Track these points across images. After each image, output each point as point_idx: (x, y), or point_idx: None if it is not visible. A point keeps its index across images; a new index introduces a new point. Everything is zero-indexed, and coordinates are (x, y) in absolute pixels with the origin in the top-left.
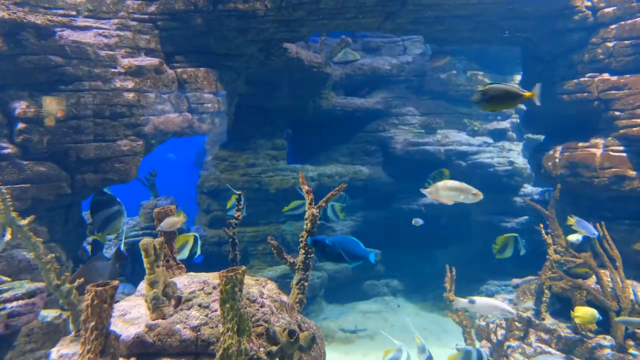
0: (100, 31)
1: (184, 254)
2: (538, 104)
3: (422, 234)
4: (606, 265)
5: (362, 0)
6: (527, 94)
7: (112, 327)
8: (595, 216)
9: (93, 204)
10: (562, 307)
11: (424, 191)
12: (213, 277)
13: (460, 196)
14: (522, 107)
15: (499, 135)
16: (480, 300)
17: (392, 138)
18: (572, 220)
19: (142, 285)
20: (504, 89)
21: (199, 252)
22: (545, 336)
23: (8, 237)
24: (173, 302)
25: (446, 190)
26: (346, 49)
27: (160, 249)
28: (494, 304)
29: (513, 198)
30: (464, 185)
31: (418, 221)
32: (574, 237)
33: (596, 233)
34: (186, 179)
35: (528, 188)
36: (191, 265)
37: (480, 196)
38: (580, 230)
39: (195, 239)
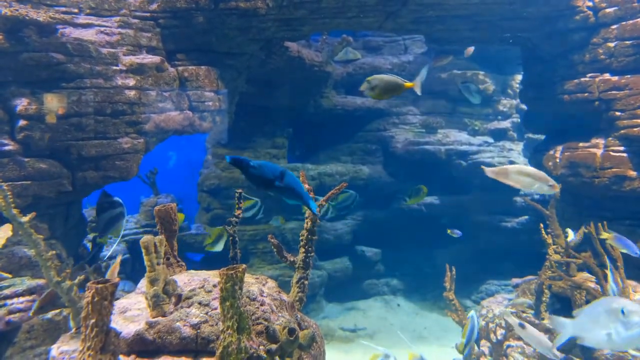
0: (102, 29)
1: (219, 246)
2: (419, 93)
3: (422, 234)
4: (606, 265)
5: None
6: (407, 84)
7: (113, 324)
8: (596, 216)
9: (98, 205)
10: (562, 307)
11: (487, 170)
12: (213, 275)
13: (535, 184)
14: (523, 107)
15: (499, 135)
16: (529, 328)
17: (393, 137)
18: (609, 235)
19: (143, 283)
20: (386, 79)
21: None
22: (545, 336)
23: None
24: (173, 299)
25: (519, 175)
26: (347, 48)
27: (160, 247)
28: (539, 339)
29: (513, 198)
30: (540, 173)
31: (455, 232)
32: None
33: (638, 252)
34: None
35: None
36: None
37: (557, 188)
38: (619, 247)
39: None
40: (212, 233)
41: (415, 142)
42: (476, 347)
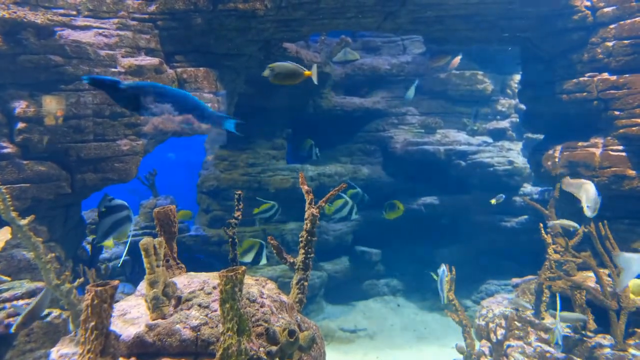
0: (101, 31)
1: (249, 257)
2: (316, 83)
3: (422, 234)
4: (606, 264)
5: (362, 0)
6: (306, 72)
7: (112, 327)
8: (595, 216)
9: (101, 210)
10: (561, 307)
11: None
12: (213, 277)
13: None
14: (522, 106)
15: (498, 135)
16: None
17: (392, 138)
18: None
19: (142, 285)
20: (287, 66)
21: (263, 260)
22: (545, 335)
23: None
24: (173, 302)
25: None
26: (346, 48)
27: (160, 249)
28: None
29: (512, 197)
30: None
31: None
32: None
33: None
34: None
35: (528, 187)
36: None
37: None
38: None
39: (261, 246)
40: (244, 244)
41: (414, 142)
42: (477, 347)
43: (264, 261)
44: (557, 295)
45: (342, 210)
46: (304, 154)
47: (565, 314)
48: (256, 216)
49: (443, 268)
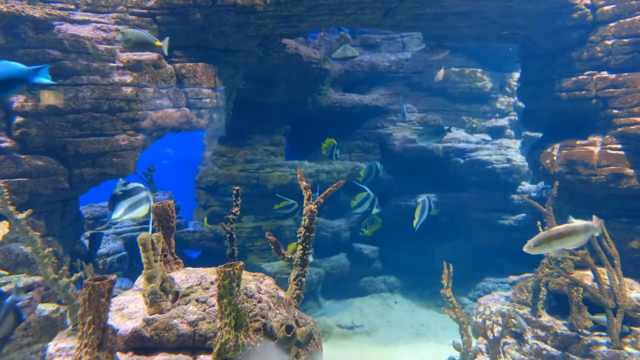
0: (99, 25)
1: (365, 207)
2: (166, 54)
3: (420, 231)
4: (603, 263)
5: None
6: (158, 43)
7: (110, 322)
8: (592, 214)
9: (117, 193)
10: (558, 304)
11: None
12: (211, 273)
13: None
14: (521, 104)
15: (497, 133)
16: None
17: (391, 135)
18: None
19: (140, 280)
20: (138, 34)
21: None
22: (541, 333)
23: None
24: (171, 296)
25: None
26: (345, 45)
27: (158, 244)
28: None
29: (511, 195)
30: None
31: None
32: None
33: None
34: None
35: (526, 185)
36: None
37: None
38: None
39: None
40: (289, 247)
41: (413, 139)
42: (473, 344)
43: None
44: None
45: (363, 204)
46: (327, 155)
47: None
48: (277, 211)
49: (424, 198)
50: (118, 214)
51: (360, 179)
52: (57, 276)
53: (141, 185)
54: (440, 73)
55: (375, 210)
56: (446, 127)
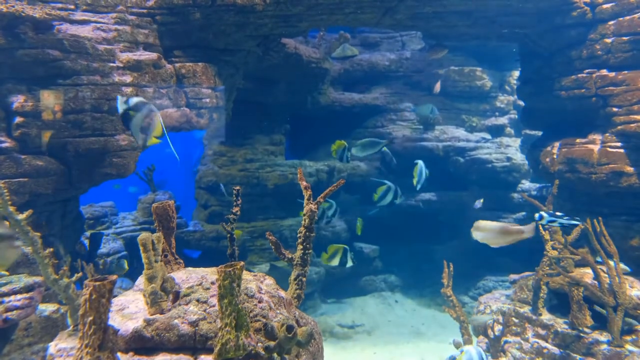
0: (99, 25)
1: (335, 261)
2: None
3: (420, 230)
4: (603, 260)
5: None
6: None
7: (111, 322)
8: (592, 212)
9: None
10: (559, 303)
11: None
12: (211, 273)
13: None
14: (521, 103)
15: (497, 131)
16: None
17: (391, 134)
18: None
19: (140, 280)
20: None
21: (349, 262)
22: (542, 331)
23: None
24: (171, 297)
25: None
26: (345, 44)
27: (158, 244)
28: None
29: (511, 194)
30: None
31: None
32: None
33: None
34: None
35: (526, 184)
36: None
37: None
38: None
39: (345, 250)
40: (329, 249)
41: (412, 138)
42: (474, 343)
43: (350, 263)
44: None
45: (386, 196)
46: (337, 157)
47: None
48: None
49: (420, 163)
50: (141, 141)
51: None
52: (57, 276)
53: (143, 100)
54: (437, 86)
55: (398, 200)
56: (384, 141)
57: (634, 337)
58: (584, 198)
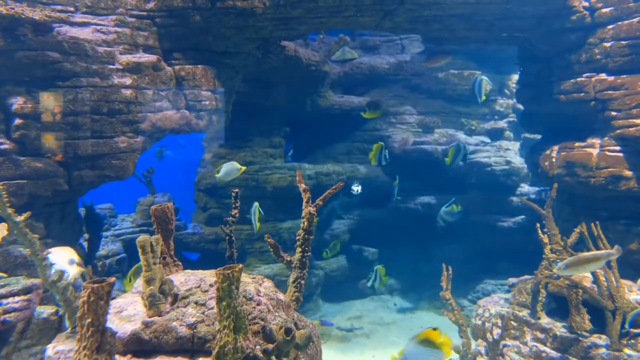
0: (98, 27)
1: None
2: None
3: (419, 233)
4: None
5: None
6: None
7: (109, 324)
8: (591, 216)
9: None
10: (558, 307)
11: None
12: (210, 275)
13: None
14: (520, 106)
15: (496, 135)
16: None
17: (390, 137)
18: None
19: (139, 282)
20: None
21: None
22: (541, 335)
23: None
24: (170, 299)
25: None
26: (344, 47)
27: (157, 246)
28: None
29: (510, 197)
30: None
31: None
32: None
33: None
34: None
35: (525, 187)
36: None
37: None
38: None
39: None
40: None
41: (412, 141)
42: (473, 346)
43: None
44: None
45: (457, 156)
46: (377, 161)
47: None
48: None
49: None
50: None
51: (447, 160)
52: (56, 278)
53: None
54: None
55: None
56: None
57: (632, 340)
58: (582, 202)
